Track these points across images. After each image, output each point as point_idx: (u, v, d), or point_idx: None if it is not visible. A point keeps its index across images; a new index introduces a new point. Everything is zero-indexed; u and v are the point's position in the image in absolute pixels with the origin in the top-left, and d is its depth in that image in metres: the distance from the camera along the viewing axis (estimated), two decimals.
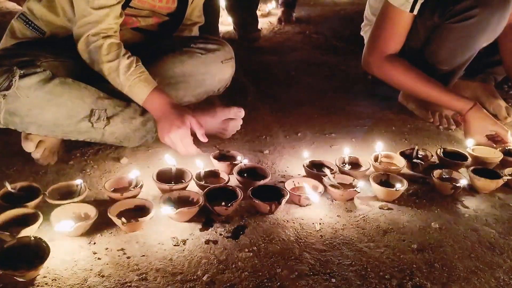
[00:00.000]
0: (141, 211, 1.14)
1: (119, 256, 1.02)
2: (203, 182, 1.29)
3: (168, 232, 1.11)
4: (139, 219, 1.08)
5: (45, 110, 1.28)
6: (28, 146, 1.33)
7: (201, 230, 1.12)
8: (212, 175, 1.35)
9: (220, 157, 1.45)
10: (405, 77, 1.73)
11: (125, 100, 1.42)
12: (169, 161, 1.31)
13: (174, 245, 1.06)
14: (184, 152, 1.39)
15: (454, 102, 1.67)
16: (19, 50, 1.36)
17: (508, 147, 1.58)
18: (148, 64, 1.50)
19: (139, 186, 1.21)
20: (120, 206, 1.14)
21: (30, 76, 1.25)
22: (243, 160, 1.40)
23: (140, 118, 1.43)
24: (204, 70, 1.57)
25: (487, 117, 1.64)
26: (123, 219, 1.07)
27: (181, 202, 1.19)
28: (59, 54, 1.40)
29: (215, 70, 1.60)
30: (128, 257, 1.02)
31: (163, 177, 1.28)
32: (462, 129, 1.74)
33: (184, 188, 1.24)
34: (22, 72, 1.24)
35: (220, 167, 1.39)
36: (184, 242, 1.08)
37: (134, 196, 1.19)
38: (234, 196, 1.21)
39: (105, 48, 1.33)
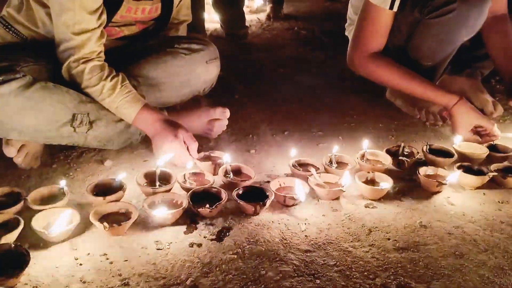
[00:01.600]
0: (124, 215, 1.13)
1: (101, 261, 1.01)
2: (188, 184, 1.28)
3: (152, 236, 1.10)
4: (121, 223, 1.07)
5: (25, 116, 1.25)
6: (9, 151, 1.31)
7: (185, 233, 1.11)
8: (197, 176, 1.34)
9: (204, 158, 1.44)
10: (389, 75, 1.73)
11: None
12: (158, 163, 1.29)
13: (158, 249, 1.06)
14: (181, 164, 1.38)
15: (440, 97, 1.67)
16: None
17: (494, 141, 1.58)
18: (131, 65, 1.49)
19: (122, 189, 1.20)
20: (103, 210, 1.13)
21: (9, 83, 1.22)
22: (226, 160, 1.39)
23: (124, 121, 1.41)
24: (188, 70, 1.56)
25: (472, 111, 1.64)
26: (105, 224, 1.06)
27: (165, 205, 1.18)
28: (40, 57, 1.38)
29: (200, 70, 1.58)
30: (111, 262, 1.01)
31: (147, 179, 1.27)
32: (449, 125, 1.74)
33: (168, 191, 1.23)
34: (1, 78, 1.21)
35: (204, 167, 1.38)
36: (168, 245, 1.07)
37: (118, 200, 1.18)
38: (219, 198, 1.20)
39: (86, 72, 1.31)
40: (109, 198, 1.16)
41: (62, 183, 1.20)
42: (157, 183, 1.26)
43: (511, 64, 1.62)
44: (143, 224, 1.13)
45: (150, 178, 1.28)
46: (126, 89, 1.36)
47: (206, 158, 1.44)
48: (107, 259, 1.02)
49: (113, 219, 1.11)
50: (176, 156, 1.36)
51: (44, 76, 1.33)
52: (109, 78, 1.33)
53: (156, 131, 1.38)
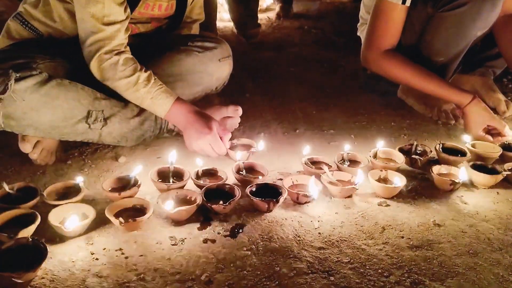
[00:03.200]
0: (139, 210, 1.14)
1: (117, 256, 1.02)
2: (201, 181, 1.29)
3: (166, 232, 1.11)
4: (136, 218, 1.08)
5: (41, 113, 1.27)
6: (25, 147, 1.33)
7: (199, 229, 1.12)
8: (210, 173, 1.34)
9: (232, 147, 1.50)
10: (403, 72, 1.73)
11: (122, 101, 1.41)
12: (171, 158, 1.30)
13: (172, 245, 1.06)
14: (215, 155, 1.42)
15: (454, 95, 1.67)
16: (15, 52, 1.35)
17: (507, 141, 1.57)
18: (145, 62, 1.50)
19: (137, 185, 1.21)
20: (118, 206, 1.14)
21: (26, 79, 1.23)
22: (260, 147, 1.47)
23: (138, 118, 1.42)
24: (201, 68, 1.57)
25: (485, 111, 1.64)
26: (121, 219, 1.07)
27: (179, 201, 1.19)
28: (56, 54, 1.39)
29: (213, 69, 1.59)
30: (126, 257, 1.02)
31: (161, 176, 1.28)
32: (462, 123, 1.74)
33: (182, 187, 1.23)
34: (18, 75, 1.22)
35: (236, 156, 1.40)
36: (182, 241, 1.08)
37: (132, 196, 1.19)
38: (232, 194, 1.21)
39: (121, 64, 1.33)
40: (124, 194, 1.17)
41: (79, 178, 1.21)
42: (171, 180, 1.26)
43: None
44: (158, 220, 1.14)
45: (164, 175, 1.29)
46: (159, 81, 1.39)
47: (235, 147, 1.50)
48: (123, 254, 1.03)
49: (128, 215, 1.12)
50: (210, 147, 1.40)
51: (60, 73, 1.34)
52: (143, 70, 1.36)
53: (190, 123, 1.40)
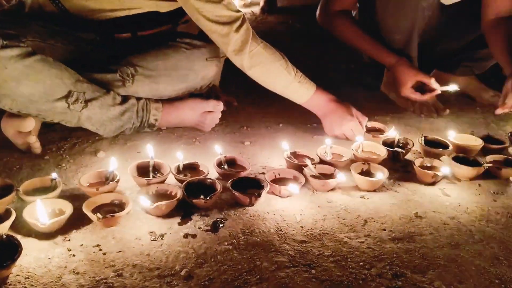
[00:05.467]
0: (117, 206, 1.12)
1: (94, 252, 1.00)
2: (182, 175, 1.27)
3: (146, 227, 1.08)
4: (115, 214, 1.05)
5: (22, 84, 1.24)
6: (31, 139, 1.35)
7: (179, 224, 1.10)
8: (191, 168, 1.32)
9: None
10: (346, 33, 1.85)
11: (105, 88, 1.39)
12: (149, 152, 1.28)
13: (152, 240, 1.04)
14: (353, 137, 1.53)
15: (383, 56, 1.78)
16: (7, 22, 1.32)
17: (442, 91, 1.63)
18: (130, 55, 1.48)
19: (115, 180, 1.18)
20: (96, 201, 1.11)
21: (12, 48, 1.22)
22: (390, 133, 1.55)
23: (119, 107, 1.40)
24: (187, 65, 1.54)
25: (411, 68, 1.71)
26: (99, 215, 1.04)
27: (159, 196, 1.17)
28: (48, 37, 1.39)
29: (199, 67, 1.56)
30: (104, 253, 1.00)
31: (141, 170, 1.26)
32: (444, 116, 1.75)
33: (162, 182, 1.21)
34: (5, 42, 1.21)
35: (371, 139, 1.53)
36: (162, 236, 1.06)
37: (111, 191, 1.16)
38: (214, 188, 1.19)
39: (268, 46, 1.47)
40: (102, 189, 1.14)
41: (54, 174, 1.18)
42: (151, 174, 1.24)
43: None
44: (137, 215, 1.12)
45: (144, 169, 1.26)
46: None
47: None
48: (100, 250, 1.01)
49: (107, 210, 1.09)
50: (351, 132, 1.54)
51: (47, 55, 1.32)
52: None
53: (332, 110, 1.56)
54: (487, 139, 1.56)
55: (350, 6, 1.87)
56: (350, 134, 1.55)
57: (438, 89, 1.68)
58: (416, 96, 1.71)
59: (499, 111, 1.53)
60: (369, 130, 1.62)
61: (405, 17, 1.74)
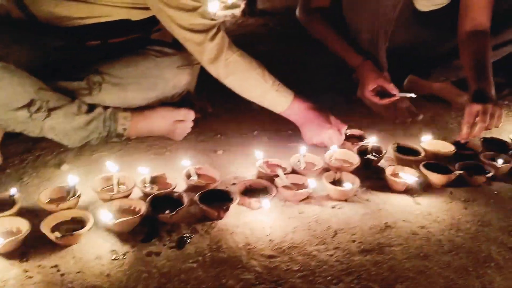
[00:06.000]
0: (78, 223, 1.08)
1: (52, 273, 0.96)
2: (148, 188, 1.23)
3: (108, 245, 1.05)
4: (74, 232, 1.02)
5: None
6: None
7: (143, 241, 1.07)
8: (159, 181, 1.29)
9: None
10: (318, 31, 1.85)
11: (70, 97, 1.35)
12: (111, 168, 1.24)
13: (113, 259, 1.01)
14: (332, 144, 1.51)
15: (349, 57, 1.77)
16: None
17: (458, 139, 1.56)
18: (99, 62, 1.44)
19: (76, 195, 1.14)
20: (56, 218, 1.07)
21: None
22: (371, 140, 1.53)
23: (85, 116, 1.35)
24: (157, 73, 1.50)
25: (373, 72, 1.71)
26: (57, 233, 1.01)
27: (123, 211, 1.13)
28: (13, 43, 1.34)
29: (170, 75, 1.52)
30: (62, 274, 0.96)
31: (105, 184, 1.22)
32: (418, 122, 1.75)
33: (126, 196, 1.18)
34: None
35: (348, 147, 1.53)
36: (124, 255, 1.02)
37: (72, 207, 1.13)
38: (181, 202, 1.16)
39: (245, 55, 1.45)
40: (62, 205, 1.10)
41: (13, 190, 1.14)
42: (115, 189, 1.21)
43: (480, 82, 1.57)
44: (99, 232, 1.08)
45: (109, 183, 1.23)
46: None
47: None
48: (58, 271, 0.97)
49: (67, 228, 1.06)
50: (330, 140, 1.51)
51: (10, 61, 1.27)
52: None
53: (309, 119, 1.53)
54: (459, 145, 1.55)
55: (326, 4, 1.86)
56: (329, 142, 1.52)
57: (397, 94, 1.68)
58: (375, 99, 1.71)
59: (459, 139, 1.51)
60: (349, 137, 1.60)
61: (369, 16, 1.72)
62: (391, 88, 1.68)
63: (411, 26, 1.87)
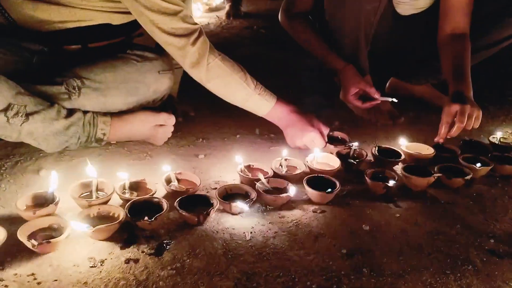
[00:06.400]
0: (56, 230, 1.06)
1: (28, 282, 0.95)
2: (127, 194, 1.22)
3: (85, 252, 1.03)
4: (51, 240, 1.00)
5: None
6: None
7: (121, 248, 1.06)
8: (138, 186, 1.28)
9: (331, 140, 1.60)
10: (300, 35, 1.86)
11: (48, 101, 1.33)
12: (89, 174, 1.23)
13: (91, 267, 1.00)
14: (314, 147, 1.52)
15: (332, 61, 1.79)
16: None
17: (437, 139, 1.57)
18: (79, 66, 1.42)
19: (54, 202, 1.13)
20: (33, 226, 1.06)
21: None
22: (353, 143, 1.55)
23: (64, 121, 1.34)
24: (138, 78, 1.49)
25: (356, 76, 1.73)
26: (33, 241, 0.99)
27: (102, 218, 1.12)
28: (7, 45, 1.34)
29: (150, 80, 1.51)
30: (39, 283, 0.95)
31: (84, 191, 1.21)
32: (399, 124, 1.76)
33: (105, 203, 1.17)
34: None
35: (333, 149, 1.54)
36: (102, 262, 1.01)
37: (50, 214, 1.11)
38: (160, 208, 1.15)
39: (226, 59, 1.44)
40: (39, 212, 1.09)
41: None
42: (94, 195, 1.19)
43: (458, 85, 1.60)
44: (77, 239, 1.07)
45: (87, 189, 1.21)
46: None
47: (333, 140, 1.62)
48: (35, 279, 0.95)
49: (45, 236, 1.04)
50: (313, 143, 1.52)
51: None
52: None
53: (292, 122, 1.53)
54: (439, 147, 1.57)
55: (309, 8, 1.87)
56: (312, 145, 1.53)
57: (379, 98, 1.69)
58: (357, 103, 1.72)
59: (437, 139, 1.52)
60: (332, 140, 1.61)
61: (350, 20, 1.73)
62: (373, 92, 1.69)
63: (393, 30, 1.88)
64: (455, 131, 1.45)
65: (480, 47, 1.80)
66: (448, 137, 1.49)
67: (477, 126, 1.48)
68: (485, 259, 1.11)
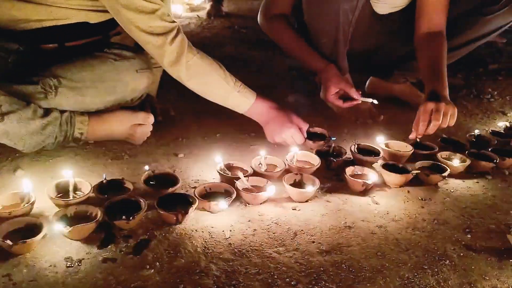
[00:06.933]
0: (32, 230, 1.04)
1: (4, 283, 0.93)
2: (105, 194, 1.21)
3: (62, 252, 1.02)
4: (27, 240, 0.98)
5: None
6: None
7: (99, 248, 1.04)
8: (116, 185, 1.26)
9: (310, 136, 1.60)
10: (280, 37, 1.85)
11: (24, 101, 1.31)
12: (66, 173, 1.21)
13: (68, 267, 0.98)
14: (294, 143, 1.54)
15: (313, 61, 1.79)
16: None
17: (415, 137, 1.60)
18: (54, 65, 1.40)
19: (30, 202, 1.11)
20: (9, 226, 1.04)
21: None
22: (331, 138, 1.58)
23: (40, 120, 1.32)
24: (115, 77, 1.47)
25: (336, 76, 1.73)
26: (9, 241, 0.97)
27: (78, 218, 1.10)
28: None
29: (128, 79, 1.50)
30: (14, 284, 0.93)
31: (61, 190, 1.19)
32: (378, 122, 1.78)
33: (82, 202, 1.15)
34: None
35: (314, 146, 1.56)
36: (79, 262, 1.00)
37: (26, 214, 1.09)
38: (139, 207, 1.14)
39: (205, 57, 1.43)
40: (15, 212, 1.07)
41: None
42: (71, 194, 1.18)
43: (435, 84, 1.61)
44: (54, 239, 1.05)
45: (64, 189, 1.20)
46: None
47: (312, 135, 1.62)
48: (10, 280, 0.94)
49: (21, 236, 1.02)
50: (292, 138, 1.53)
51: None
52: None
53: (272, 118, 1.54)
54: (417, 145, 1.59)
55: (287, 10, 1.87)
56: (291, 141, 1.54)
57: (359, 99, 1.70)
58: (338, 103, 1.73)
59: (412, 136, 1.54)
60: (311, 136, 1.62)
61: (328, 20, 1.74)
62: (353, 92, 1.69)
63: (372, 30, 1.90)
64: (431, 128, 1.48)
65: (455, 46, 1.84)
66: (425, 134, 1.51)
67: (453, 124, 1.51)
68: (462, 254, 1.13)
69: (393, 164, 1.44)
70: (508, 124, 1.91)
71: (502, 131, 1.85)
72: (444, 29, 1.73)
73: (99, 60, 1.47)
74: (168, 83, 1.65)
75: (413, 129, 1.53)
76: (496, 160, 1.53)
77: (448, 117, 1.47)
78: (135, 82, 1.51)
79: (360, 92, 1.72)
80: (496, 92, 2.34)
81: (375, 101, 1.72)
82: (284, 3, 1.85)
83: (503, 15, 1.76)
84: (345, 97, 1.73)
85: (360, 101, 1.71)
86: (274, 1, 1.86)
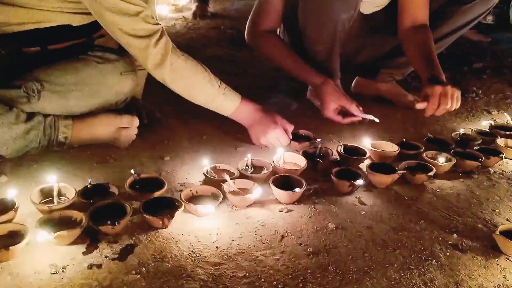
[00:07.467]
0: (16, 237, 1.03)
1: None
2: (90, 199, 1.19)
3: (47, 259, 1.00)
4: (10, 247, 0.97)
5: None
6: None
7: (84, 253, 1.03)
8: (101, 190, 1.25)
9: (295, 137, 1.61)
10: (272, 52, 1.83)
11: (7, 105, 1.29)
12: (51, 178, 1.19)
13: (52, 273, 0.97)
14: (279, 145, 1.54)
15: (310, 77, 1.76)
16: None
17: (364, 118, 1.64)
18: (37, 69, 1.38)
19: (13, 209, 1.09)
20: None
21: None
22: (317, 140, 1.59)
23: (23, 125, 1.30)
24: (99, 80, 1.46)
25: (335, 91, 1.71)
26: None
27: (63, 223, 1.08)
28: None
29: (113, 82, 1.48)
30: None
31: (45, 196, 1.17)
32: (365, 123, 1.79)
33: (67, 208, 1.13)
34: None
35: (299, 147, 1.57)
36: (64, 268, 0.98)
37: (9, 221, 1.07)
38: (124, 212, 1.13)
39: (190, 59, 1.43)
40: None
41: None
42: (55, 200, 1.16)
43: (431, 70, 1.62)
44: (38, 246, 1.03)
45: (48, 195, 1.18)
46: None
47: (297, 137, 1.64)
48: None
49: (4, 242, 1.00)
50: (277, 140, 1.55)
51: None
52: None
53: (256, 120, 1.55)
54: (403, 144, 1.60)
55: (276, 25, 1.86)
56: (276, 143, 1.55)
57: (359, 115, 1.67)
58: (338, 119, 1.69)
59: (421, 106, 1.55)
60: (296, 138, 1.61)
61: (326, 29, 1.73)
62: (354, 109, 1.66)
63: (358, 30, 1.91)
64: (439, 111, 1.52)
65: (439, 37, 1.86)
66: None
67: (458, 107, 1.56)
68: (448, 253, 1.14)
69: (380, 164, 1.44)
70: (492, 123, 1.93)
71: (487, 130, 1.87)
72: (427, 21, 1.76)
73: (83, 63, 1.46)
74: (153, 86, 1.63)
75: (419, 102, 1.56)
76: (481, 159, 1.54)
77: (454, 100, 1.50)
78: (120, 85, 1.50)
79: (361, 109, 1.69)
80: (480, 91, 2.37)
81: (376, 119, 1.67)
82: (272, 18, 1.83)
83: (481, 2, 1.78)
84: (345, 112, 1.71)
85: (361, 118, 1.68)
86: (262, 17, 1.83)
